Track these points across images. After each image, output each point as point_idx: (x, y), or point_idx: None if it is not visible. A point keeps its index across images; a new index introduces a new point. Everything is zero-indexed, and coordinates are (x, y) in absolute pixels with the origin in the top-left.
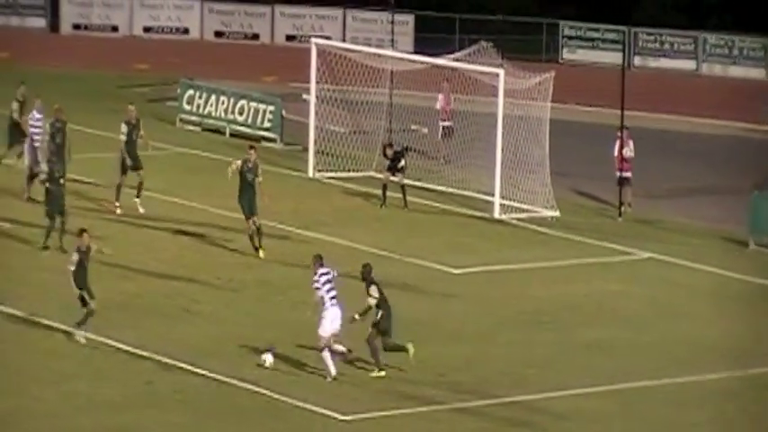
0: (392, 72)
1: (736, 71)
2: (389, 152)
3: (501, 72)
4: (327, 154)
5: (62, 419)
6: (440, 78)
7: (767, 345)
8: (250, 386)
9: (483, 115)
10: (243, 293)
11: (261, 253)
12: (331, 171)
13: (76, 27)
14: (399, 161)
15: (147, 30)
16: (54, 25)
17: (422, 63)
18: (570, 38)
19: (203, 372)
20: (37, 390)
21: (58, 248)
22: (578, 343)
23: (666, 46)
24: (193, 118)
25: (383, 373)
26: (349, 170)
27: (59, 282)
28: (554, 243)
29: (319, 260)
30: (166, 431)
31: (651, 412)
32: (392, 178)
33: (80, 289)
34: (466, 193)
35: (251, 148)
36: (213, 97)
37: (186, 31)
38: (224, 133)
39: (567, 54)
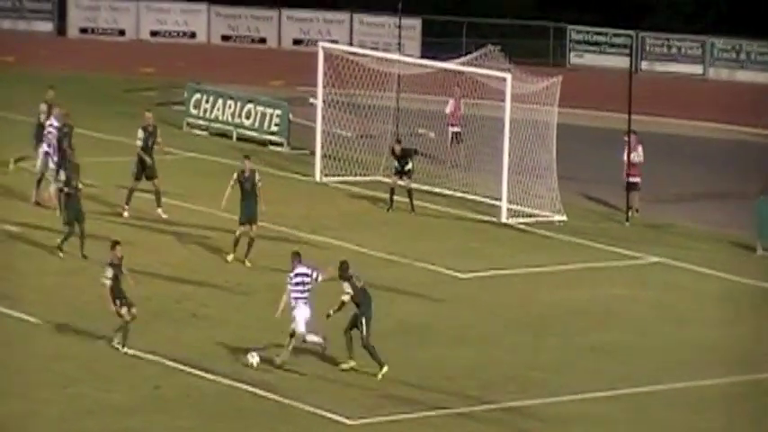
0: (399, 76)
1: (744, 76)
2: (397, 148)
3: (508, 76)
4: (334, 158)
5: (69, 423)
6: (448, 82)
7: None
8: (258, 390)
9: (490, 119)
10: (252, 297)
11: (229, 257)
12: (338, 175)
13: (83, 31)
14: (407, 163)
15: (153, 34)
16: (61, 29)
17: (429, 67)
18: (578, 42)
19: (211, 376)
20: (44, 393)
21: (81, 257)
22: (585, 347)
23: (674, 50)
24: (200, 122)
25: (385, 371)
26: (356, 174)
27: (66, 285)
28: (561, 247)
29: (297, 258)
30: None
31: (658, 417)
32: (399, 182)
33: (116, 303)
34: (473, 197)
35: (246, 157)
36: (220, 101)
37: (193, 34)
38: (231, 137)
39: (574, 58)
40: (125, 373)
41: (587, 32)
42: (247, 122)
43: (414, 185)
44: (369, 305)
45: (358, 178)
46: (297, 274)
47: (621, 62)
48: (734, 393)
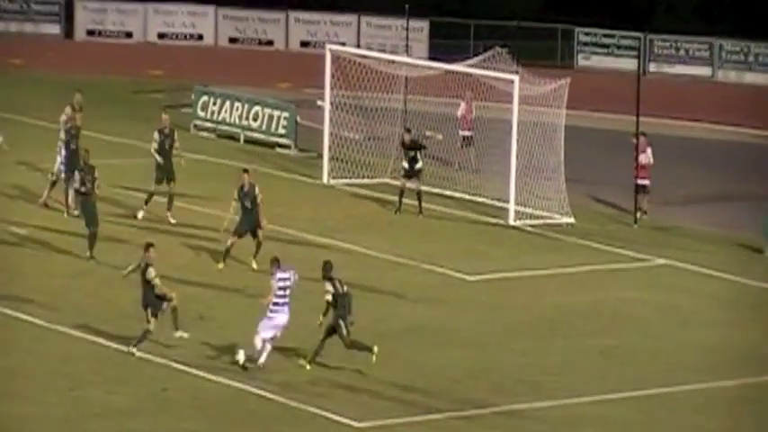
0: (407, 78)
1: (752, 78)
2: (407, 138)
3: (516, 78)
4: (342, 160)
5: (74, 425)
6: (456, 85)
7: None
8: (264, 393)
9: (498, 121)
10: (258, 300)
11: (220, 265)
12: (345, 178)
13: (91, 33)
14: (416, 162)
15: (161, 36)
16: (68, 31)
17: (436, 69)
18: (585, 44)
19: (218, 378)
20: (50, 395)
21: (88, 258)
22: (593, 350)
23: (682, 52)
24: (208, 124)
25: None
26: (363, 177)
27: (73, 287)
28: (569, 250)
29: (277, 263)
30: None
31: (666, 419)
32: (409, 184)
33: (147, 308)
34: (480, 199)
35: (244, 171)
36: (227, 104)
37: (200, 37)
38: (238, 140)
39: (582, 60)
40: (132, 376)
41: (595, 34)
42: (255, 125)
43: (423, 188)
44: (346, 308)
45: (365, 181)
46: (279, 279)
47: (629, 64)
48: (742, 396)
